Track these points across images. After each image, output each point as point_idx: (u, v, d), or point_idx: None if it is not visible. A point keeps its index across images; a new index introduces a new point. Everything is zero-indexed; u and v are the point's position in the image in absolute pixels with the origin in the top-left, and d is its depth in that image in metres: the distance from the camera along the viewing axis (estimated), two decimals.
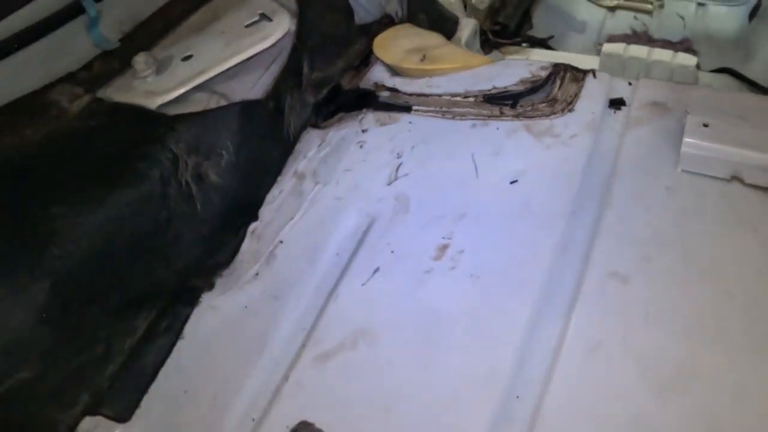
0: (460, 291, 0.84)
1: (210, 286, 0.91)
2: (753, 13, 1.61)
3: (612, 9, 1.75)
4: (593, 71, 1.06)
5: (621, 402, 0.71)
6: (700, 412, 0.69)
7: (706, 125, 0.92)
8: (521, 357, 0.77)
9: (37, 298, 0.82)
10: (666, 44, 1.62)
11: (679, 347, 0.74)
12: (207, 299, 0.90)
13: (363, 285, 0.88)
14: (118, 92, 1.03)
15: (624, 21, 1.74)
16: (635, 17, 1.75)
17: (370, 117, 1.07)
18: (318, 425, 0.76)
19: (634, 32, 1.72)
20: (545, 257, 0.84)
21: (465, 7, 1.53)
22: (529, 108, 1.02)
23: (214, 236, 0.96)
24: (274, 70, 1.05)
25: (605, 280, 0.81)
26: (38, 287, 0.82)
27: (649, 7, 1.72)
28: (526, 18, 1.67)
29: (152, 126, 0.97)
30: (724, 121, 0.93)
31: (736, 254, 0.82)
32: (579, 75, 1.06)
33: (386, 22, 1.21)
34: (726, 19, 1.67)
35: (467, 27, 1.34)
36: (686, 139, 0.91)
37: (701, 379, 0.72)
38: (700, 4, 1.70)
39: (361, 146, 1.03)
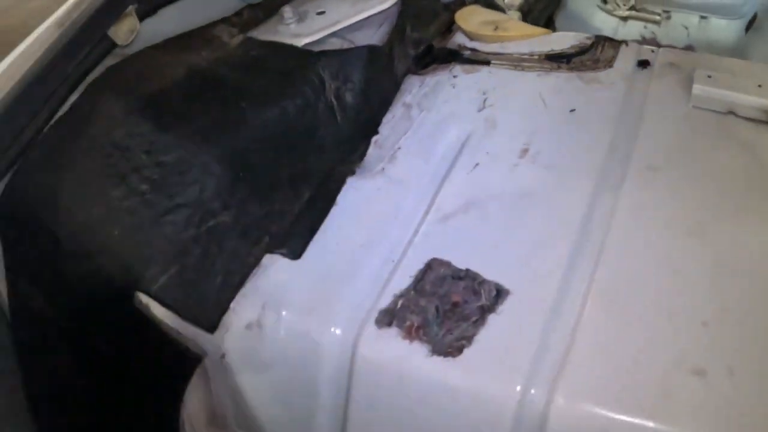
0: (539, 177, 1.18)
1: (351, 173, 1.23)
2: (749, 26, 2.02)
3: (624, 19, 2.16)
4: (626, 41, 1.43)
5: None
6: None
7: (709, 76, 1.29)
8: (585, 221, 1.11)
9: (235, 160, 1.14)
10: None
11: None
12: (350, 182, 1.22)
13: (467, 174, 1.21)
14: (266, 34, 1.36)
15: (635, 29, 2.15)
16: (645, 26, 2.16)
17: (458, 68, 1.41)
18: (445, 260, 1.08)
19: (644, 39, 2.12)
20: (600, 151, 1.19)
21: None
22: (580, 64, 1.38)
23: (349, 141, 1.28)
24: (385, 28, 1.40)
25: (644, 171, 1.16)
26: (237, 153, 1.14)
27: (657, 18, 2.13)
28: (549, 22, 2.06)
29: (302, 56, 1.31)
30: (722, 73, 1.30)
31: (730, 162, 1.18)
32: (615, 44, 1.43)
33: (461, 2, 1.58)
34: (725, 30, 2.08)
35: (514, 17, 1.71)
36: (695, 85, 1.27)
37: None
38: (702, 17, 2.12)
39: (453, 86, 1.37)
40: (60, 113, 1.18)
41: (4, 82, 1.09)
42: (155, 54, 1.30)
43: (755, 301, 0.98)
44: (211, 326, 1.05)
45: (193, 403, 1.18)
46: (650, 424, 0.87)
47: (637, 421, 0.88)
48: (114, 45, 1.23)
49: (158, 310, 1.06)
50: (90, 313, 1.11)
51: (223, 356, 1.07)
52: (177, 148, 1.12)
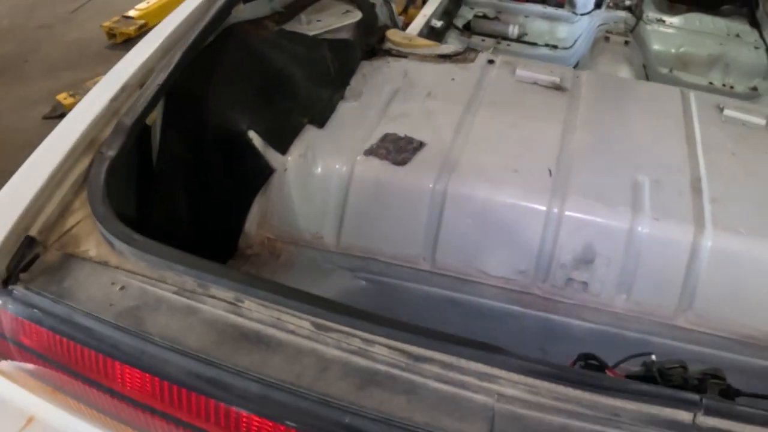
0: (437, 104, 2.43)
1: (342, 98, 2.40)
2: None
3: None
4: (483, 51, 2.74)
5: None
6: None
7: (523, 66, 2.61)
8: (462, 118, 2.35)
9: (297, 84, 2.28)
10: None
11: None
12: (341, 102, 2.40)
13: (399, 103, 2.44)
14: (291, 27, 2.53)
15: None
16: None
17: (389, 58, 2.65)
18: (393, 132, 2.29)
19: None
20: (466, 93, 2.45)
21: None
22: (457, 60, 2.67)
23: (337, 85, 2.46)
24: (352, 32, 2.63)
25: (491, 105, 2.44)
26: (299, 81, 2.29)
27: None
28: None
29: (312, 40, 2.50)
30: (530, 67, 2.61)
31: (534, 103, 2.47)
32: (476, 51, 2.73)
33: (387, 27, 2.85)
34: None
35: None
36: (517, 71, 2.56)
37: None
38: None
39: (388, 67, 2.61)
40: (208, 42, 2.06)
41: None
42: (246, 25, 2.37)
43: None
44: (283, 151, 2.19)
45: (254, 210, 2.18)
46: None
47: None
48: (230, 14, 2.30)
49: (258, 141, 2.16)
50: (216, 145, 2.15)
51: (285, 170, 2.20)
52: (271, 70, 2.27)
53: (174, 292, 1.30)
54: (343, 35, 2.55)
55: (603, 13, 3.87)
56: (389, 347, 1.21)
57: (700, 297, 1.99)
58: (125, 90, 1.78)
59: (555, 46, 3.93)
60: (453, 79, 2.51)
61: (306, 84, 2.30)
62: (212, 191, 2.09)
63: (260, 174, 2.15)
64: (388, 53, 2.65)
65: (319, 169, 2.14)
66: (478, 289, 2.09)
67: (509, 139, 2.22)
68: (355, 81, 2.49)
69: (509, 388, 1.18)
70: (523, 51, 3.85)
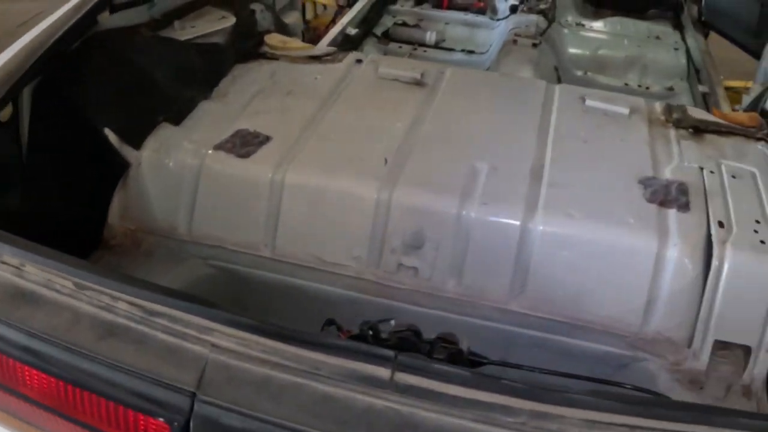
0: (302, 97, 2.50)
1: (207, 98, 2.49)
2: None
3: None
4: (354, 52, 2.81)
5: None
6: None
7: (386, 65, 2.67)
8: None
9: (162, 82, 2.37)
10: None
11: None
12: (203, 102, 2.49)
13: (260, 100, 2.51)
14: (165, 33, 2.62)
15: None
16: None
17: (263, 60, 2.74)
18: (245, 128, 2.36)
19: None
20: (330, 84, 2.54)
21: None
22: (327, 60, 2.74)
23: (207, 84, 2.54)
24: (227, 37, 2.72)
25: (354, 95, 2.51)
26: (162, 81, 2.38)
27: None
28: None
29: (184, 44, 2.58)
30: (393, 66, 2.68)
31: (390, 96, 2.54)
32: (346, 54, 2.80)
33: (268, 32, 2.93)
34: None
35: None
36: (380, 69, 2.64)
37: None
38: None
39: (260, 69, 2.69)
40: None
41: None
42: (114, 31, 2.46)
43: None
44: (137, 146, 2.26)
45: (115, 202, 2.27)
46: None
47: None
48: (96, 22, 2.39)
49: (113, 138, 2.21)
50: (77, 142, 2.23)
51: (140, 164, 2.27)
52: (131, 73, 2.36)
53: None
54: (216, 40, 2.63)
55: (517, 18, 3.93)
56: (130, 303, 1.37)
57: (532, 281, 2.04)
58: None
59: (472, 51, 3.99)
60: (316, 78, 2.59)
61: (166, 85, 2.38)
62: (75, 185, 2.20)
63: (117, 168, 2.25)
64: (263, 56, 2.72)
65: (172, 163, 2.23)
66: (317, 275, 2.15)
67: (355, 131, 2.29)
68: (224, 82, 2.58)
69: (223, 340, 1.28)
70: (439, 56, 3.92)
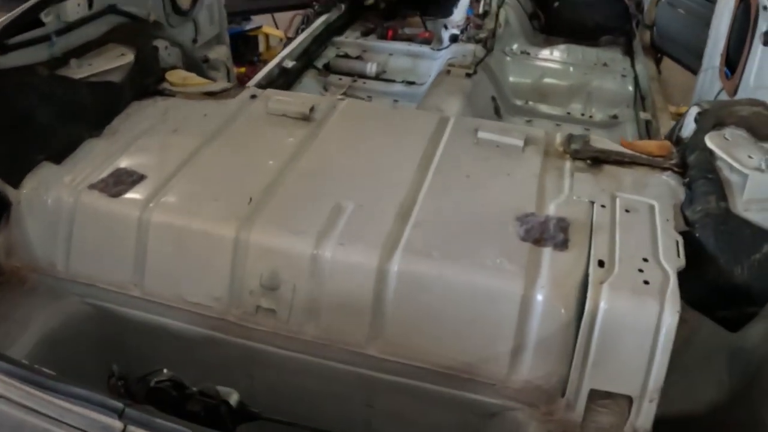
0: (203, 135, 2.52)
1: (97, 136, 2.52)
2: None
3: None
4: (250, 87, 2.82)
5: None
6: None
7: (278, 98, 2.68)
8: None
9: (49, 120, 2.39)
10: None
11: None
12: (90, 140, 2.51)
13: (149, 137, 2.52)
14: (63, 72, 2.64)
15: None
16: None
17: (159, 98, 2.76)
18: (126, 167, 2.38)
19: None
20: (222, 119, 2.55)
21: None
22: (221, 96, 2.75)
23: (96, 123, 2.56)
24: (125, 74, 2.74)
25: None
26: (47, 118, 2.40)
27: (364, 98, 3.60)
28: None
29: (72, 83, 2.60)
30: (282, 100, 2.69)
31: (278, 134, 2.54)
32: (243, 88, 2.81)
33: (173, 68, 2.95)
34: None
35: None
36: (269, 104, 2.65)
37: None
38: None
39: (155, 106, 2.71)
40: None
41: None
42: (13, 72, 2.49)
43: None
44: (15, 185, 2.28)
45: (0, 240, 2.31)
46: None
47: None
48: None
49: None
50: None
51: (19, 203, 2.29)
52: (12, 112, 2.38)
53: None
54: (113, 77, 2.65)
55: (455, 47, 3.94)
56: None
57: (389, 324, 2.01)
58: None
59: (412, 83, 4.00)
60: (205, 114, 2.62)
61: (48, 124, 2.41)
62: None
63: None
64: (161, 93, 2.74)
65: (50, 201, 2.26)
66: (183, 315, 2.15)
67: (227, 169, 2.31)
68: (117, 120, 2.62)
69: None
70: (379, 88, 3.94)
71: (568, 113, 3.87)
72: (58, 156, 2.39)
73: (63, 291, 2.27)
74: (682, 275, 1.91)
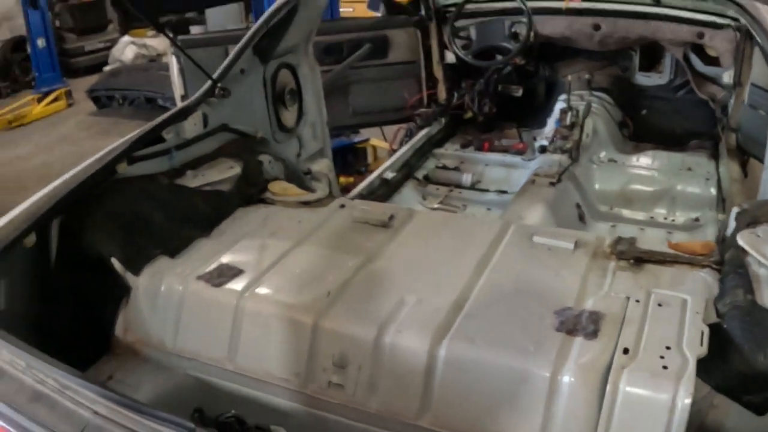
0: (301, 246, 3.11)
1: (207, 236, 3.16)
2: None
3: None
4: (336, 198, 3.41)
5: None
6: None
7: (363, 208, 3.24)
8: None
9: (165, 220, 3.07)
10: None
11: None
12: (201, 239, 3.14)
13: (255, 243, 3.13)
14: (180, 181, 3.32)
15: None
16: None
17: (261, 204, 3.39)
18: (229, 264, 2.98)
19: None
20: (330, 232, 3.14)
21: None
22: (316, 205, 3.35)
23: (207, 224, 3.21)
24: (231, 185, 3.39)
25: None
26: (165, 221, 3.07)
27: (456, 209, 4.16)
28: None
29: (188, 191, 3.26)
30: (369, 211, 3.25)
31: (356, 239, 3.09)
32: (332, 198, 3.40)
33: (275, 179, 3.59)
34: None
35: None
36: (353, 212, 3.22)
37: None
38: None
39: (256, 212, 3.34)
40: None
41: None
42: (133, 179, 3.19)
43: None
44: (137, 273, 2.90)
45: (120, 318, 2.88)
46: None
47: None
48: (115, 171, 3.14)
49: (117, 265, 2.87)
50: (90, 268, 2.92)
51: (138, 288, 2.92)
52: (137, 213, 3.05)
53: None
54: (223, 187, 3.29)
55: (543, 158, 4.41)
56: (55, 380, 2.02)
57: (437, 400, 2.42)
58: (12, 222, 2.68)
59: (504, 192, 4.49)
60: (299, 221, 3.18)
61: (167, 224, 3.03)
62: (89, 303, 2.90)
63: (120, 291, 2.90)
64: (264, 201, 3.36)
65: (163, 288, 2.84)
66: (268, 387, 2.64)
67: (312, 267, 2.84)
68: (225, 223, 3.22)
69: (102, 410, 1.91)
70: (473, 197, 4.44)
71: (651, 217, 4.20)
72: (173, 251, 2.98)
73: (169, 363, 2.81)
74: (712, 364, 2.23)
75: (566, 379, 2.25)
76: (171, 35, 3.74)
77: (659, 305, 2.48)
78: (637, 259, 2.76)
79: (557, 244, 2.90)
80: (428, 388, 2.43)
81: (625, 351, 2.26)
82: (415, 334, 2.48)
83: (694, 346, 2.26)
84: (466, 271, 2.77)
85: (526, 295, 2.64)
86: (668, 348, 2.25)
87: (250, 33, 3.66)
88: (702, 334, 2.31)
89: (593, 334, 2.36)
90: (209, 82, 3.44)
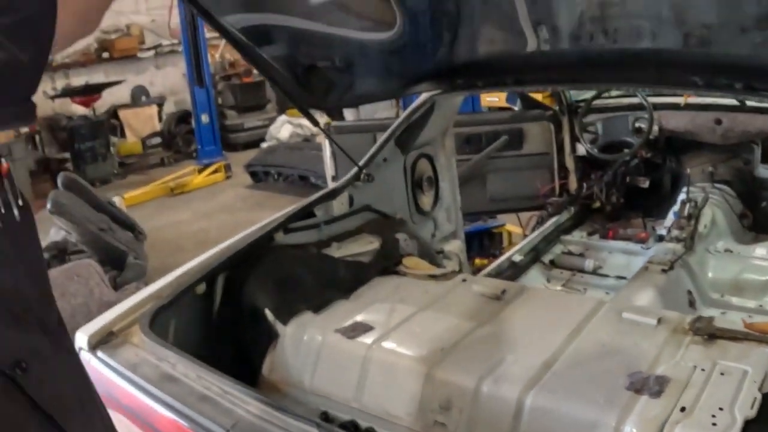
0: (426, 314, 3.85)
1: (346, 298, 3.95)
2: None
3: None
4: (458, 272, 4.11)
5: None
6: None
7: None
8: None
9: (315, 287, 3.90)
10: None
11: None
12: (341, 301, 3.93)
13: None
14: (325, 251, 4.13)
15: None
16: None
17: (394, 276, 4.14)
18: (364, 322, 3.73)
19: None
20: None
21: None
22: (441, 279, 4.07)
23: (349, 286, 4.00)
24: (370, 257, 4.17)
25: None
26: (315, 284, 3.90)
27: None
28: None
29: (333, 260, 4.05)
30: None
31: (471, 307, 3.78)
32: (458, 272, 4.12)
33: (408, 254, 4.35)
34: None
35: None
36: (475, 287, 3.92)
37: None
38: None
39: (390, 282, 4.10)
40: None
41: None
42: (287, 247, 4.02)
43: None
44: (285, 323, 3.66)
45: (267, 360, 3.63)
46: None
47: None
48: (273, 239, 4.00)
49: (270, 316, 3.65)
50: (246, 316, 3.76)
51: (285, 335, 3.69)
52: (290, 275, 3.88)
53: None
54: (363, 258, 4.05)
55: (659, 246, 4.94)
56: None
57: None
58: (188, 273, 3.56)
59: (624, 277, 5.03)
60: (426, 291, 3.86)
61: (313, 286, 3.79)
62: (242, 345, 3.71)
63: (270, 337, 3.66)
64: (397, 273, 4.10)
65: (306, 338, 3.58)
66: (386, 424, 3.26)
67: (430, 328, 3.54)
68: (362, 289, 3.92)
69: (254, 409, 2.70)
70: (594, 282, 4.99)
71: (760, 305, 4.59)
72: (317, 308, 3.69)
73: (305, 400, 3.48)
74: (759, 428, 2.66)
75: (627, 428, 2.76)
76: (324, 127, 4.58)
77: (721, 374, 2.92)
78: (711, 335, 3.21)
79: (642, 320, 3.41)
80: (515, 430, 3.02)
81: (682, 409, 2.74)
82: (508, 385, 3.08)
83: (744, 409, 2.70)
84: (560, 338, 3.35)
85: (607, 360, 3.16)
86: (721, 409, 2.70)
87: (392, 127, 4.27)
88: (755, 400, 2.75)
89: (657, 394, 2.84)
90: (356, 168, 4.12)
